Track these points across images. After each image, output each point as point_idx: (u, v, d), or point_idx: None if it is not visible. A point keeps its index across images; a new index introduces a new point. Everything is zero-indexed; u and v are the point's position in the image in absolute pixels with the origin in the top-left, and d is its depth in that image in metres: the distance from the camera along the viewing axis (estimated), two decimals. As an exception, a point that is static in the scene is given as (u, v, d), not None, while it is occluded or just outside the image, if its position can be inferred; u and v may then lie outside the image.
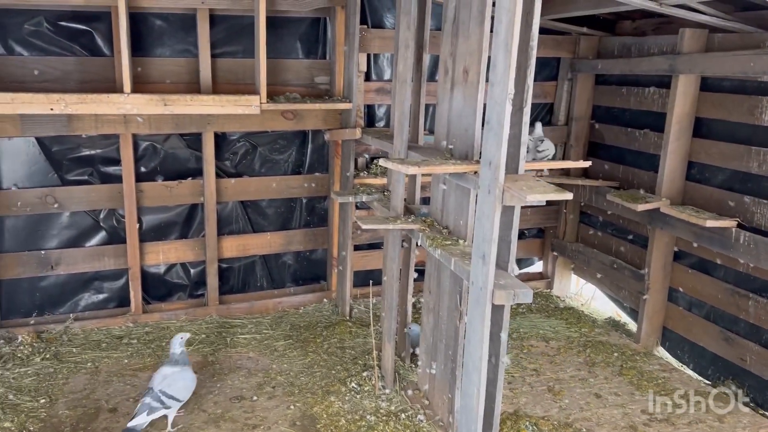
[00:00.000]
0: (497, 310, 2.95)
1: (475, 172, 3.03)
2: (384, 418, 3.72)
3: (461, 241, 3.40)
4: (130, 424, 3.37)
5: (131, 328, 4.76)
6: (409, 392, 3.99)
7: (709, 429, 3.74)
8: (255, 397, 3.95)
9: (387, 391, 3.99)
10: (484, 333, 2.88)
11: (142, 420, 3.39)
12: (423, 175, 4.21)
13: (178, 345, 3.67)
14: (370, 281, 5.03)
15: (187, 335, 3.80)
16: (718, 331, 4.33)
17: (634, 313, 5.13)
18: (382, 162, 3.47)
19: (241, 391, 4.02)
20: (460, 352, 3.46)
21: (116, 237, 4.79)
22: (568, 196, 2.74)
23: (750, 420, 3.84)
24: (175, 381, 3.55)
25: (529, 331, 5.04)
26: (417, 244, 3.63)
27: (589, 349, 4.73)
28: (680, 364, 4.66)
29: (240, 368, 4.29)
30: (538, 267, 6.19)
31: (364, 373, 4.18)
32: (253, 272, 5.29)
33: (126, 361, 4.33)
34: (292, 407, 3.85)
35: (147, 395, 3.47)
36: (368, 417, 3.73)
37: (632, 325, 5.15)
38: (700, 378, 4.42)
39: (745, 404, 4.00)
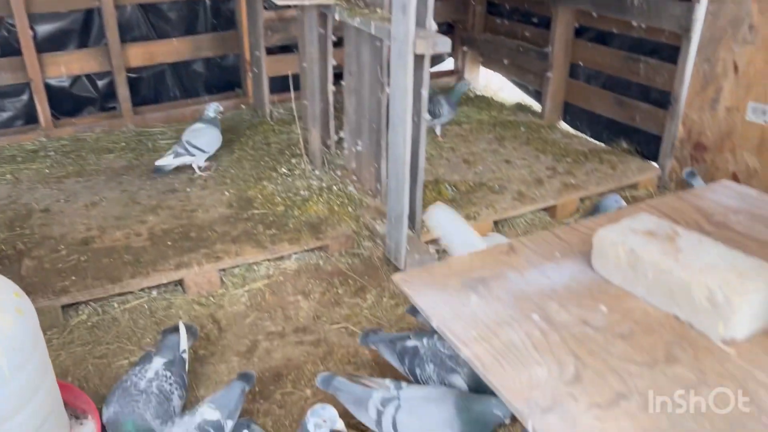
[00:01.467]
0: (418, 64, 3.09)
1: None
2: (317, 192, 3.95)
3: (379, 10, 3.44)
4: (157, 163, 4.11)
5: (44, 142, 4.63)
6: (338, 172, 4.21)
7: (605, 175, 4.24)
8: (188, 189, 4.05)
9: (317, 172, 4.20)
10: (408, 86, 3.04)
11: (167, 161, 4.11)
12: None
13: (213, 111, 4.28)
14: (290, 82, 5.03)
15: (221, 108, 4.38)
16: (613, 97, 4.75)
17: (538, 95, 5.48)
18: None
19: (173, 185, 4.10)
20: (383, 123, 3.64)
21: (10, 48, 4.47)
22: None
23: (638, 165, 4.38)
24: (202, 135, 4.17)
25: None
26: (335, 18, 3.64)
27: (499, 128, 5.07)
28: (579, 132, 5.12)
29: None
30: (449, 64, 6.36)
31: (293, 160, 4.35)
32: (164, 82, 5.15)
33: (47, 171, 4.26)
34: (226, 193, 4.00)
35: (176, 144, 4.16)
36: (302, 193, 3.95)
37: (537, 107, 5.52)
38: (596, 141, 4.90)
39: (633, 153, 4.55)
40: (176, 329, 2.69)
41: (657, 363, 1.57)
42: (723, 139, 3.95)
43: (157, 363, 2.47)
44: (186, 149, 4.11)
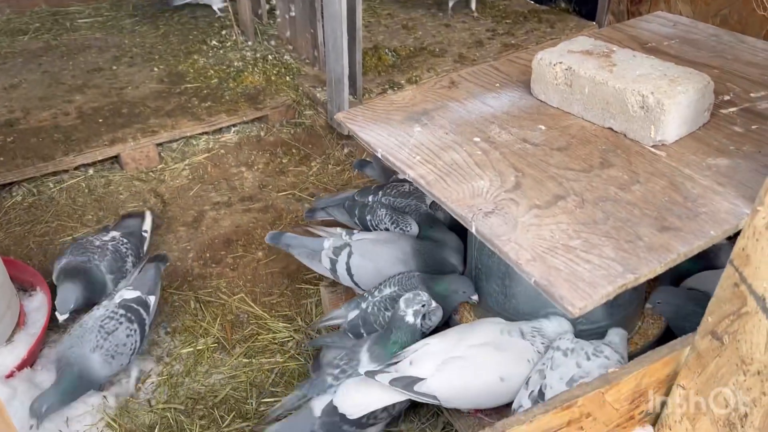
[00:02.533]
0: None
1: None
2: (251, 62, 3.81)
3: None
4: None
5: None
6: (272, 42, 4.05)
7: (544, 34, 4.22)
8: (114, 67, 3.84)
9: (249, 43, 4.03)
10: (338, -68, 2.89)
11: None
12: None
13: None
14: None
15: None
16: (551, -46, 4.64)
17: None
18: None
19: (98, 64, 3.88)
20: (316, -18, 3.48)
21: None
22: None
23: (576, 23, 4.37)
24: None
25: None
26: None
27: (437, -8, 4.92)
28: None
29: (90, 47, 4.08)
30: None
31: (223, 32, 4.15)
32: (75, -43, 4.73)
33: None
34: (155, 69, 3.81)
35: None
36: (236, 64, 3.80)
37: (475, -28, 5.35)
38: (534, 3, 4.83)
39: (570, 12, 4.52)
40: (137, 215, 2.68)
41: (593, 168, 1.63)
42: (658, -11, 3.95)
43: (115, 232, 2.47)
44: None
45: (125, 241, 2.44)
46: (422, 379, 1.69)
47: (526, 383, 1.69)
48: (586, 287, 1.28)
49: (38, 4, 4.55)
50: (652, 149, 1.69)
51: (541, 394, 1.62)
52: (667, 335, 1.98)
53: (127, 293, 2.21)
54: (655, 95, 1.62)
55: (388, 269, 2.20)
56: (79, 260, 2.27)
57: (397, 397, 1.74)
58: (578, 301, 1.25)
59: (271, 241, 2.42)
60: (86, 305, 2.23)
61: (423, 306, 1.85)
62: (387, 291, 2.06)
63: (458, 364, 1.70)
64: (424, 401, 1.73)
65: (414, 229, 2.35)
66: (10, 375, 2.11)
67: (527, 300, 1.87)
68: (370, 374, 1.72)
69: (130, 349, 2.13)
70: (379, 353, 1.86)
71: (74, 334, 2.08)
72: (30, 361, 2.19)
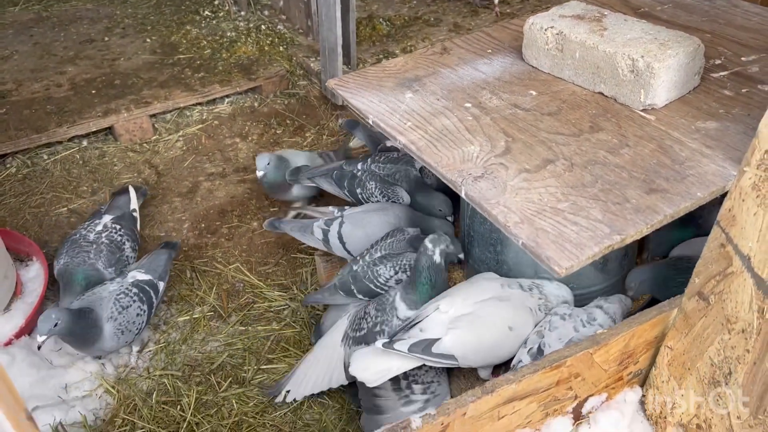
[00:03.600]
0: None
1: None
2: (245, 33, 3.78)
3: None
4: None
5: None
6: (266, 12, 4.01)
7: (540, 2, 4.18)
8: (106, 38, 3.81)
9: (242, 13, 3.99)
10: None
11: None
12: None
13: None
14: None
15: None
16: None
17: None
18: None
19: (89, 35, 3.84)
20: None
21: None
22: None
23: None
24: None
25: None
26: None
27: (432, -38, 4.86)
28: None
29: (81, 18, 4.04)
30: None
31: (216, 2, 4.11)
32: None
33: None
34: (148, 40, 3.78)
35: None
36: (228, 35, 3.77)
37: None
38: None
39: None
40: (125, 191, 2.61)
41: (582, 132, 1.64)
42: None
43: (106, 218, 2.43)
44: None
45: (118, 227, 2.41)
46: (437, 339, 1.69)
47: (525, 341, 1.72)
48: (573, 248, 1.30)
49: (28, -25, 4.49)
50: (642, 113, 1.69)
51: (540, 351, 1.65)
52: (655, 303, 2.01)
53: (140, 275, 2.21)
54: (645, 59, 1.62)
55: (378, 235, 2.22)
56: (76, 262, 2.25)
57: (413, 362, 1.74)
58: (564, 261, 1.27)
59: (269, 228, 2.43)
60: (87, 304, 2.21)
61: (447, 246, 1.85)
62: (377, 255, 2.08)
63: (468, 319, 1.72)
64: (442, 364, 1.74)
65: (405, 199, 2.36)
66: (8, 342, 2.14)
67: (518, 266, 1.90)
68: (388, 345, 1.71)
69: (137, 328, 2.14)
70: (414, 299, 1.88)
71: (88, 294, 2.10)
72: (28, 330, 2.22)
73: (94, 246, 2.31)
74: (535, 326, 1.75)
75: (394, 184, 2.42)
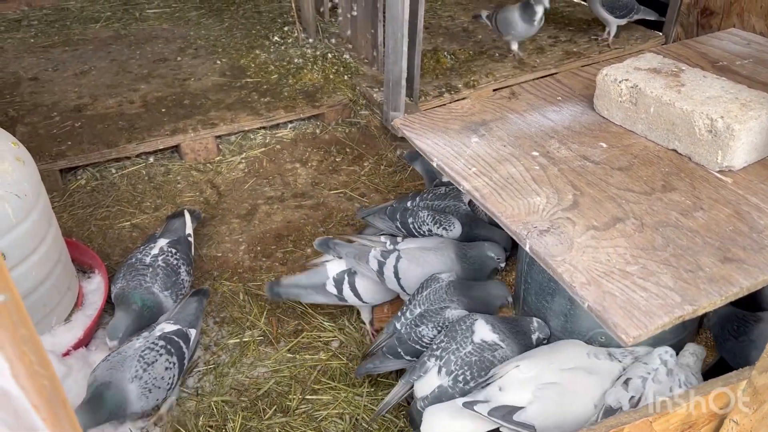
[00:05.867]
0: None
1: None
2: (311, 60, 3.85)
3: None
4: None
5: (27, 11, 4.46)
6: (333, 40, 4.09)
7: (608, 44, 4.12)
8: (179, 58, 3.94)
9: (310, 40, 4.07)
10: (406, -65, 2.89)
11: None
12: None
13: None
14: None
15: None
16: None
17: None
18: None
19: (163, 54, 3.99)
20: (380, -18, 3.49)
21: None
22: None
23: (642, 34, 4.25)
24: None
25: (442, -14, 5.08)
26: None
27: (500, -3, 4.87)
28: (583, 0, 4.93)
29: (156, 37, 4.20)
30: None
31: (285, 29, 4.21)
32: (147, -52, 4.87)
33: (32, 40, 4.12)
34: (218, 62, 3.90)
35: None
36: (296, 61, 3.85)
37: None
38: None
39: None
40: (180, 214, 2.62)
41: (654, 191, 1.59)
42: (731, 2, 3.81)
43: (162, 242, 2.42)
44: None
45: (174, 251, 2.40)
46: (521, 408, 1.63)
47: (626, 383, 1.62)
48: (642, 316, 1.25)
49: (111, -7, 4.71)
50: (718, 175, 1.63)
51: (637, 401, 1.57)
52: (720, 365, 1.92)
53: (168, 326, 2.13)
54: (725, 119, 1.57)
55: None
56: (132, 285, 2.24)
57: (489, 426, 1.69)
58: (632, 330, 1.22)
59: (320, 247, 2.45)
60: (140, 329, 2.19)
61: None
62: (417, 310, 2.08)
63: (555, 391, 1.64)
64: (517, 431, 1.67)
65: (457, 227, 2.36)
66: (67, 353, 2.20)
67: (577, 319, 1.85)
68: (468, 405, 1.67)
69: (168, 384, 2.03)
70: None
71: (113, 360, 1.99)
72: (85, 341, 2.28)
73: (150, 269, 2.31)
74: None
75: (448, 213, 2.42)
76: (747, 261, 1.37)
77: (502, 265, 2.21)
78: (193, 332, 2.18)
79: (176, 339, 2.09)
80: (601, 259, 1.39)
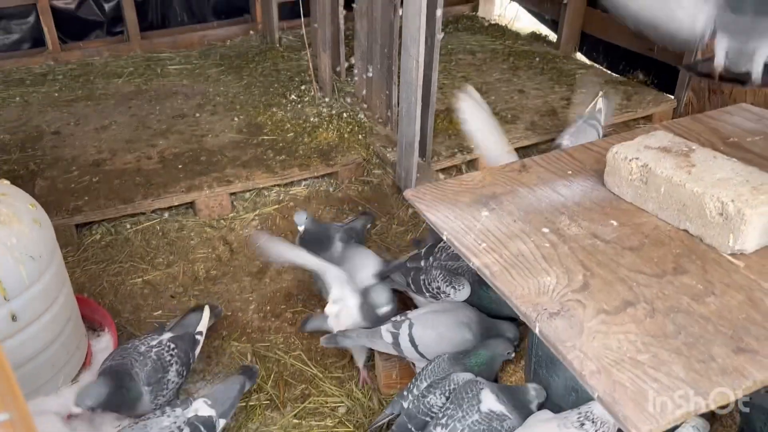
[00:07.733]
0: (432, -17, 3.00)
1: None
2: (327, 119, 3.92)
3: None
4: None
5: (52, 66, 4.60)
6: (348, 99, 4.16)
7: (620, 107, 4.16)
8: (197, 114, 4.03)
9: (327, 99, 4.16)
10: (422, 4, 2.97)
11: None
12: None
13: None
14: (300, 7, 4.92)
15: None
16: (631, 26, 4.60)
17: (554, 25, 5.33)
18: None
19: (182, 110, 4.08)
20: (395, 47, 3.57)
21: (13, -31, 4.38)
22: None
23: (654, 97, 4.30)
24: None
25: (457, 47, 5.19)
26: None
27: (513, 58, 4.97)
28: (595, 63, 5.01)
29: (176, 93, 4.31)
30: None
31: (302, 87, 4.30)
32: (171, 6, 5.05)
33: (56, 94, 4.25)
34: (236, 119, 3.98)
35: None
36: (312, 120, 3.93)
37: (553, 37, 5.39)
38: (612, 73, 4.80)
39: (649, 84, 4.46)
40: (200, 309, 2.49)
41: (665, 274, 1.59)
42: (742, 69, 3.85)
43: (165, 336, 2.31)
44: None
45: (172, 346, 2.26)
46: None
47: None
48: (653, 409, 1.23)
49: (134, 50, 4.86)
50: (730, 258, 1.63)
51: None
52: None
53: (202, 408, 2.05)
54: (736, 203, 1.57)
55: (451, 334, 2.23)
56: (122, 365, 2.15)
57: None
58: (644, 425, 1.20)
59: (327, 343, 2.39)
60: (109, 409, 2.11)
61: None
62: (423, 385, 2.07)
63: None
64: None
65: (466, 288, 2.37)
66: (70, 416, 2.19)
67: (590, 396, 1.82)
68: None
69: None
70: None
71: (135, 428, 1.96)
72: (92, 403, 2.26)
73: (141, 357, 2.19)
74: None
75: (459, 274, 2.42)
76: (761, 352, 1.35)
77: (512, 356, 2.19)
78: (222, 423, 2.08)
79: (202, 429, 2.01)
80: (612, 346, 1.37)
